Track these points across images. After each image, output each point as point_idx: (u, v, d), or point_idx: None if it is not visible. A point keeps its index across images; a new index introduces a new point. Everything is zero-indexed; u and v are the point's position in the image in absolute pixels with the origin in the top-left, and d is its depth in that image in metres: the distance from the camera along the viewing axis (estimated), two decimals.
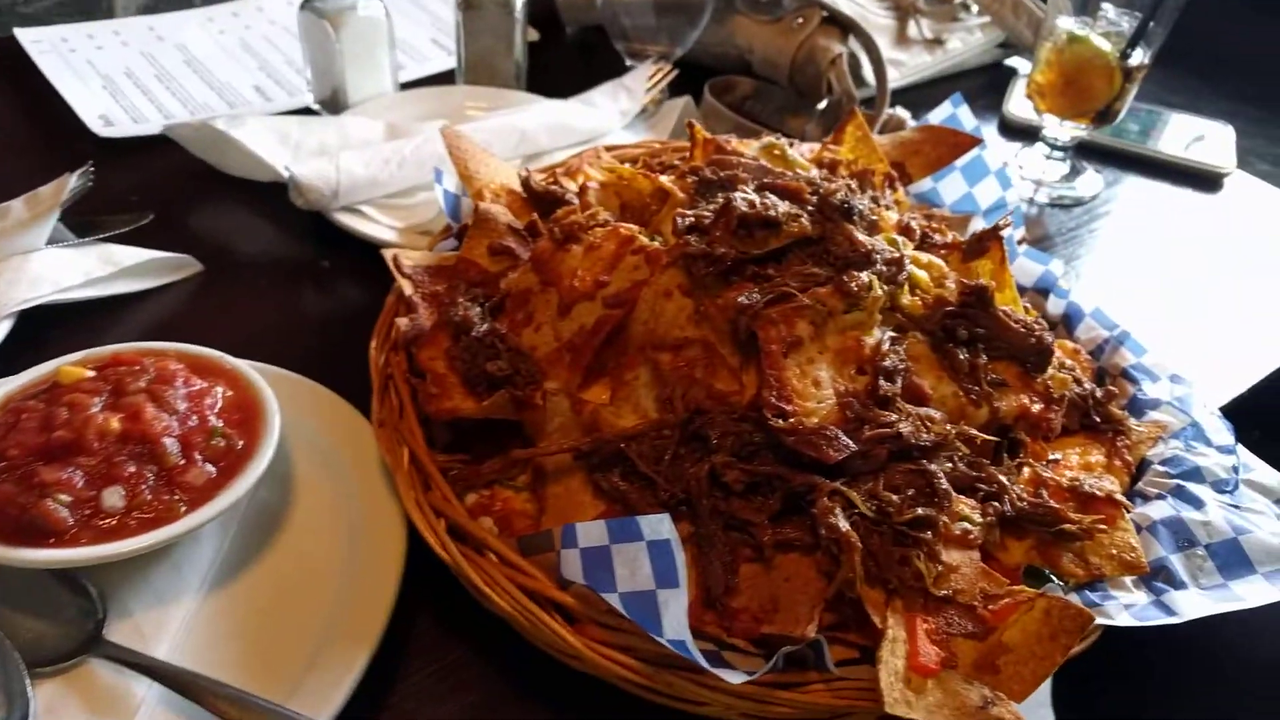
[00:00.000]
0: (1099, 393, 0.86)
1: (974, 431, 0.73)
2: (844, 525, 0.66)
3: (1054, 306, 1.02)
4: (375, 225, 1.13)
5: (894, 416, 0.71)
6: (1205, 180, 1.47)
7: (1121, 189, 1.46)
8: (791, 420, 0.69)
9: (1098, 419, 0.85)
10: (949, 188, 1.11)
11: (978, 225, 1.07)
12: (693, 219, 0.77)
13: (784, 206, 0.77)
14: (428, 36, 1.58)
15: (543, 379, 0.79)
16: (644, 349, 0.76)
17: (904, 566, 0.66)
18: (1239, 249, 1.36)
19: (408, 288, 0.88)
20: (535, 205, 0.97)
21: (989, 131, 1.57)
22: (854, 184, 0.86)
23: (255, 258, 1.13)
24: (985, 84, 1.68)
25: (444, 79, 1.48)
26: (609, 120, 1.31)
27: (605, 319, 0.78)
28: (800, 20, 1.41)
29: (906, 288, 0.79)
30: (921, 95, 1.61)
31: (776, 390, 0.70)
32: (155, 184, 1.21)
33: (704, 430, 0.71)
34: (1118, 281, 1.27)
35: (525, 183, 0.97)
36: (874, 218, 0.83)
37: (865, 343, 0.75)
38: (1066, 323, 1.00)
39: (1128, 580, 0.74)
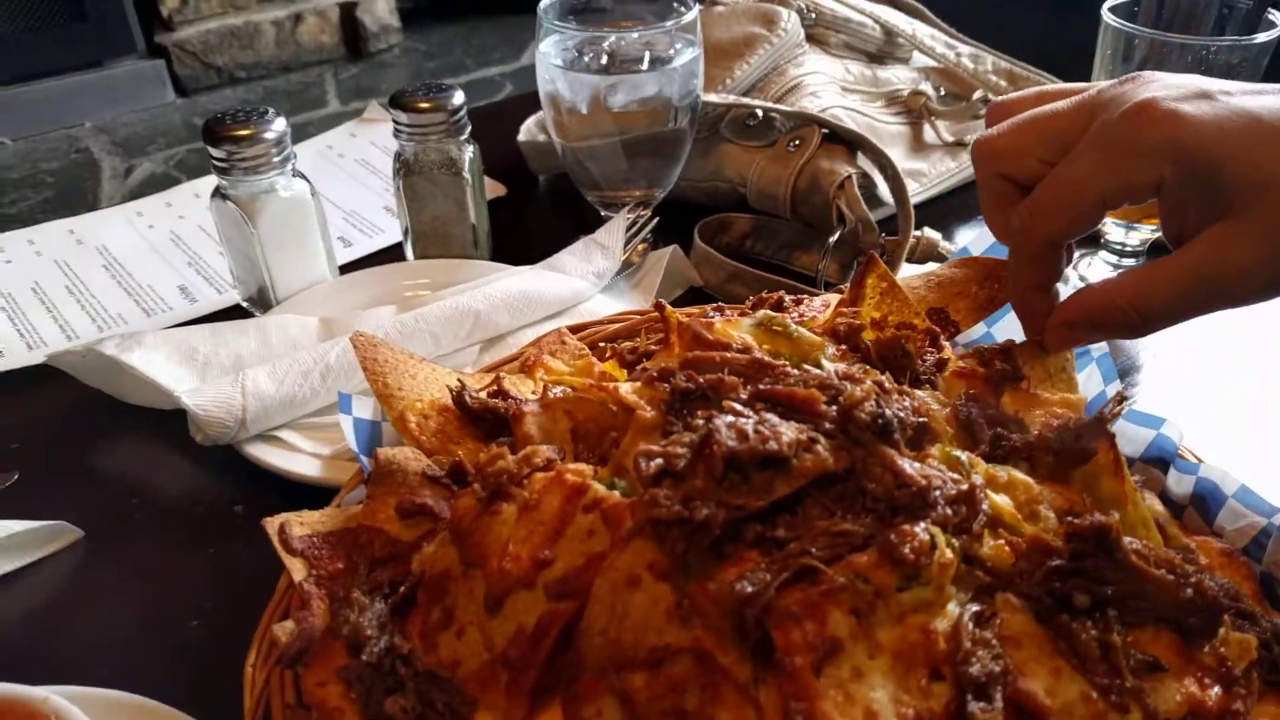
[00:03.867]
0: None
1: None
2: None
3: (1178, 484, 0.75)
4: (294, 455, 0.91)
5: None
6: None
7: None
8: None
9: None
10: (1008, 333, 0.86)
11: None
12: (661, 460, 0.54)
13: (790, 432, 0.53)
14: (380, 204, 1.40)
15: (470, 712, 0.54)
16: (607, 670, 0.51)
17: None
18: None
19: (298, 571, 0.65)
20: (475, 429, 0.75)
21: None
22: (886, 378, 0.62)
23: (152, 510, 0.91)
24: None
25: (397, 251, 1.29)
26: (582, 286, 1.10)
27: (550, 617, 0.54)
28: (797, 142, 1.20)
29: (986, 530, 0.54)
30: (950, 205, 1.39)
31: None
32: (39, 423, 1.01)
33: None
34: (1222, 406, 1.01)
35: (458, 399, 0.75)
36: (923, 418, 0.59)
37: (937, 631, 0.49)
38: (1199, 507, 0.74)
39: None
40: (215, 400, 0.89)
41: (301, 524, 0.68)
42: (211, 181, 1.09)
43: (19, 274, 1.24)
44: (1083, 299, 0.73)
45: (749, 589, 0.49)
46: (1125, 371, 1.07)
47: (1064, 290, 1.07)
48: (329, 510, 0.71)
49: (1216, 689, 0.51)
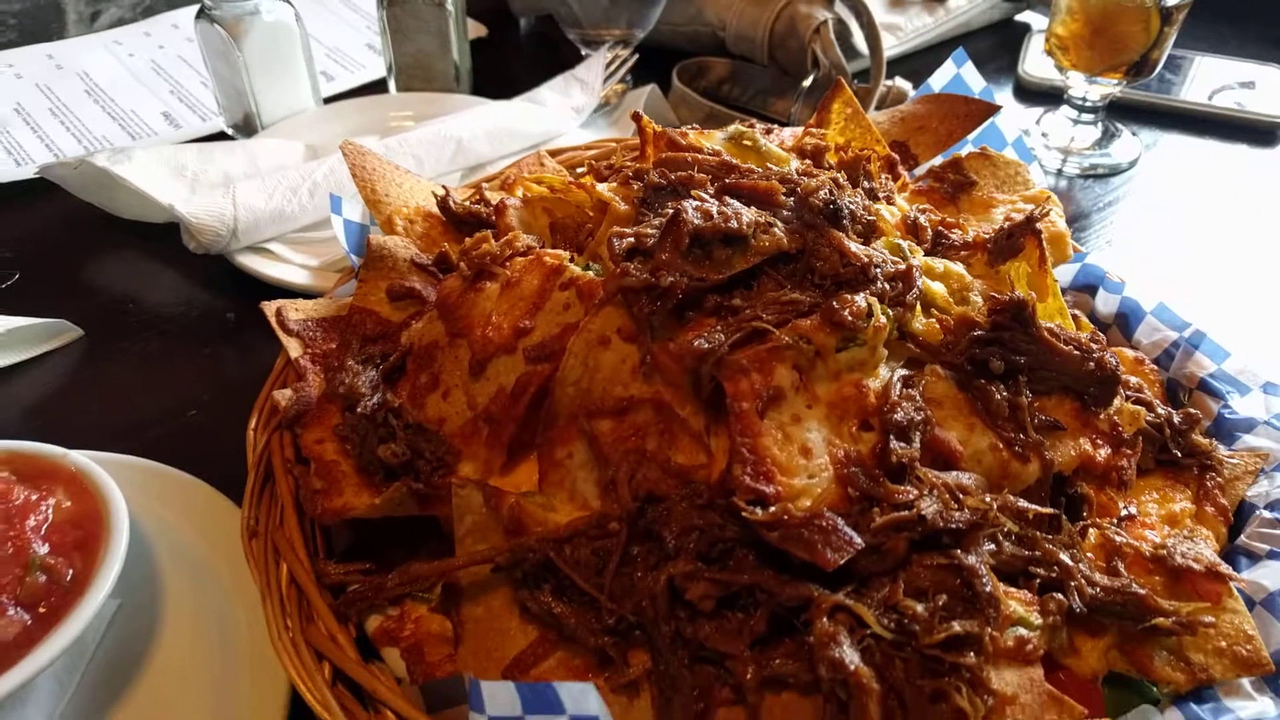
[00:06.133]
0: (1177, 417, 0.67)
1: (1024, 503, 0.54)
2: (852, 658, 0.47)
3: (1104, 304, 0.82)
4: (283, 266, 0.95)
5: (913, 491, 0.52)
6: (1260, 133, 1.27)
7: (1163, 151, 1.26)
8: (774, 508, 0.50)
9: (1178, 452, 0.66)
10: None
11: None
12: (632, 239, 0.59)
13: (750, 215, 0.58)
14: (362, 41, 1.41)
15: (455, 461, 0.61)
16: (578, 417, 0.58)
17: (939, 704, 0.48)
18: None
19: (294, 349, 0.70)
20: (458, 231, 0.79)
21: (1004, 97, 1.37)
22: (842, 176, 0.67)
23: (147, 315, 0.96)
24: (996, 44, 1.48)
25: (379, 88, 1.31)
26: (561, 120, 1.13)
27: (529, 377, 0.60)
28: None
29: (919, 308, 0.60)
30: (923, 62, 1.41)
31: (751, 464, 0.52)
32: (34, 234, 1.04)
33: (658, 527, 0.53)
34: (1168, 259, 1.07)
35: (443, 204, 0.79)
36: (870, 218, 0.64)
37: (868, 388, 0.56)
38: (1122, 324, 0.81)
39: (1245, 683, 0.55)
40: (207, 210, 0.93)
41: (297, 310, 0.73)
42: (188, 14, 1.10)
43: (2, 95, 1.25)
44: None
45: (705, 345, 0.55)
46: (1074, 218, 1.13)
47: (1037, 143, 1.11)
48: (322, 300, 0.76)
49: (1106, 449, 0.59)
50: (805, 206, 0.59)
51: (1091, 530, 0.60)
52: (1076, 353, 0.58)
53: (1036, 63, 1.37)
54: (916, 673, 0.48)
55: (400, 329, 0.69)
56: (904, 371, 0.58)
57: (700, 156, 0.68)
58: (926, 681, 0.48)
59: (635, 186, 0.68)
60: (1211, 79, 1.35)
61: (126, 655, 0.64)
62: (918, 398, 0.56)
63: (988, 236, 0.67)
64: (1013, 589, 0.53)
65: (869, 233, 0.64)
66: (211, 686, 0.62)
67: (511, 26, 1.47)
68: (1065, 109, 1.23)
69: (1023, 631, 0.51)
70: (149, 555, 0.69)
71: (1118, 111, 1.27)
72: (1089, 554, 0.58)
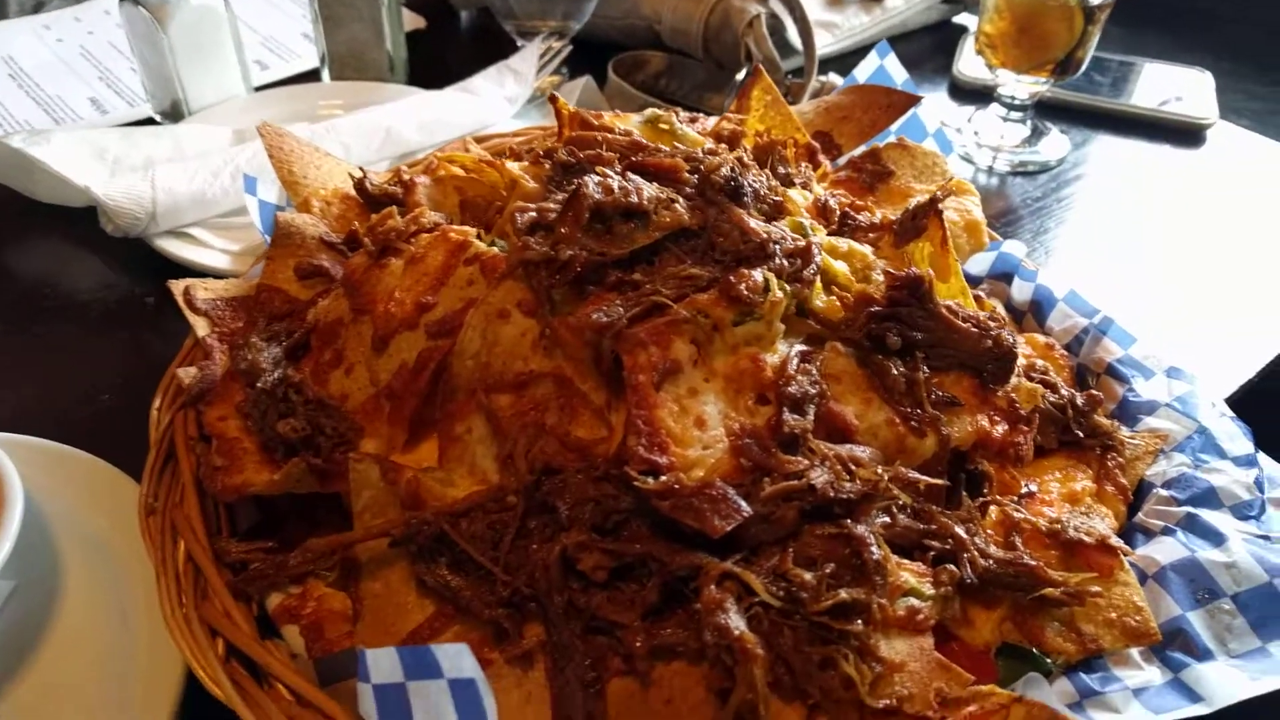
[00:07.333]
0: (1080, 399, 0.68)
1: (914, 474, 0.55)
2: (738, 624, 0.47)
3: (1019, 292, 0.83)
4: (204, 250, 0.94)
5: (804, 462, 0.52)
6: (1185, 134, 1.30)
7: (1092, 150, 1.28)
8: (665, 478, 0.51)
9: (1080, 433, 0.67)
10: None
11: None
12: (534, 214, 0.59)
13: (651, 190, 0.59)
14: (298, 30, 1.39)
15: (357, 438, 0.61)
16: (476, 392, 0.58)
17: (827, 671, 0.48)
18: (1229, 208, 1.18)
19: (201, 328, 0.69)
20: (374, 213, 0.79)
21: (939, 96, 1.39)
22: (747, 156, 0.68)
23: (64, 299, 0.94)
24: (932, 45, 1.50)
25: (314, 77, 1.29)
26: (494, 110, 1.13)
27: (430, 352, 0.60)
28: None
29: (819, 285, 0.61)
30: (859, 61, 1.43)
31: (646, 435, 0.52)
32: None
33: (552, 498, 0.53)
34: (1094, 255, 1.10)
35: (359, 185, 0.79)
36: (777, 198, 0.65)
37: (765, 362, 0.56)
38: (1035, 311, 0.82)
39: (1134, 653, 0.56)
40: (125, 192, 0.91)
41: (206, 289, 0.72)
42: None
43: None
44: None
45: (604, 319, 0.55)
46: (1005, 213, 1.14)
47: (959, 139, 1.13)
48: (233, 280, 0.75)
49: (1003, 425, 0.60)
50: (707, 183, 0.60)
51: (992, 507, 0.61)
52: (974, 330, 0.59)
53: (970, 63, 1.39)
54: (805, 640, 0.48)
55: (308, 307, 0.68)
56: (802, 347, 0.58)
57: (610, 136, 0.68)
58: (815, 649, 0.48)
59: (545, 165, 0.68)
60: (1143, 82, 1.38)
61: (21, 636, 0.63)
62: (814, 372, 0.56)
63: (894, 219, 0.68)
64: (906, 560, 0.54)
65: (775, 212, 0.65)
66: (108, 665, 0.61)
67: (451, 19, 1.47)
68: (995, 107, 1.25)
69: (914, 601, 0.52)
70: (48, 536, 0.68)
71: (1051, 112, 1.30)
72: (989, 530, 0.59)
